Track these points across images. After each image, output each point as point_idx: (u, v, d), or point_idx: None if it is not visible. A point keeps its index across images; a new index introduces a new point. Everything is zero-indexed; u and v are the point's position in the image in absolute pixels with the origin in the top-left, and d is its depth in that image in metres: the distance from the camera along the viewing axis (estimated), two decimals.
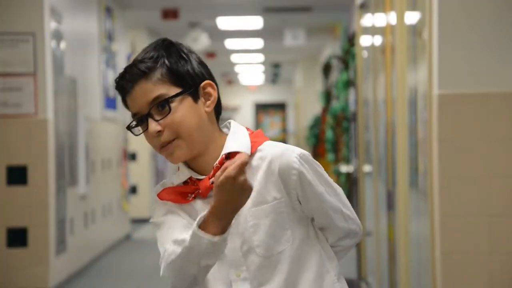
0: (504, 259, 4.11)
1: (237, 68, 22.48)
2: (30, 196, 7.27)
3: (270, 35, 15.11)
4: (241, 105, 27.90)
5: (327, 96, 13.56)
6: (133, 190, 13.14)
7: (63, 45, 8.09)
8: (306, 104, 19.29)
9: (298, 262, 2.16)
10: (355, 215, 2.25)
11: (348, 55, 10.22)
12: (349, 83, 10.20)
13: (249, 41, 16.03)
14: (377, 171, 6.44)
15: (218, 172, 1.98)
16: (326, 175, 2.19)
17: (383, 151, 6.09)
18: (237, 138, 2.17)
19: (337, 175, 11.03)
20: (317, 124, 15.05)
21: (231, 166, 1.96)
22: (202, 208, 2.15)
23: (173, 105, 2.11)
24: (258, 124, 27.79)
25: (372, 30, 6.74)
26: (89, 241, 9.17)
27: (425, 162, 4.47)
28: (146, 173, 13.53)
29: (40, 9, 7.38)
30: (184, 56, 2.17)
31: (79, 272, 8.66)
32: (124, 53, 11.69)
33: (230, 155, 2.13)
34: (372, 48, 6.81)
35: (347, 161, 10.30)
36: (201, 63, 2.19)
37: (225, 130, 2.22)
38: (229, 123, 2.23)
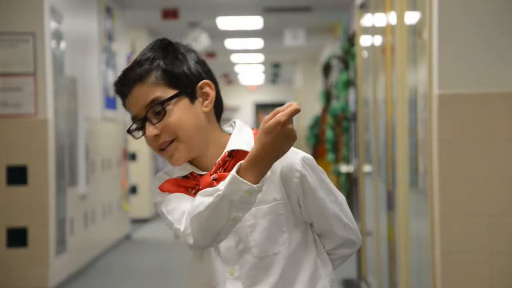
0: (504, 259, 4.11)
1: (237, 68, 22.48)
2: (30, 196, 7.27)
3: (270, 35, 15.11)
4: (241, 105, 27.90)
5: (327, 96, 13.56)
6: (133, 190, 13.14)
7: (63, 45, 8.09)
8: (306, 104, 19.29)
9: (292, 265, 2.15)
10: (356, 226, 2.24)
11: (348, 55, 10.22)
12: (349, 83, 10.20)
13: (249, 41, 16.03)
14: (377, 171, 6.44)
15: (268, 116, 1.96)
16: (330, 182, 2.19)
17: (383, 151, 6.09)
18: (241, 136, 2.16)
19: (337, 175, 11.03)
20: (317, 124, 15.05)
21: (282, 112, 1.95)
22: None
23: (168, 107, 2.11)
24: (258, 124, 27.79)
25: (372, 30, 6.74)
26: (89, 241, 9.17)
27: (425, 162, 4.47)
28: (146, 173, 13.53)
29: (40, 9, 7.39)
30: (180, 56, 2.16)
31: (79, 272, 8.66)
32: (124, 53, 11.69)
33: (233, 153, 2.12)
34: (372, 48, 6.81)
35: (347, 161, 10.30)
36: (200, 62, 2.18)
37: (228, 129, 2.21)
38: (234, 122, 2.22)
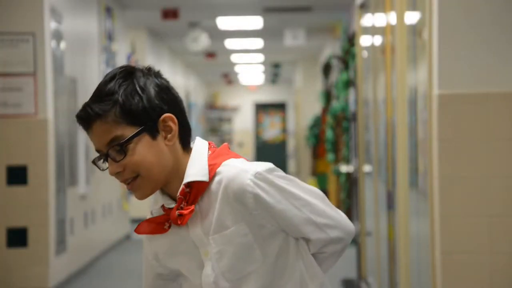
0: (504, 259, 4.11)
1: (237, 68, 22.48)
2: (30, 196, 7.27)
3: (270, 35, 15.11)
4: (241, 105, 27.89)
5: (327, 96, 13.56)
6: None
7: (63, 45, 8.09)
8: (306, 104, 19.29)
9: (275, 277, 2.11)
10: (338, 220, 2.14)
11: (348, 55, 10.22)
12: (349, 83, 10.20)
13: (249, 41, 16.03)
14: (377, 171, 6.44)
15: None
16: (294, 185, 2.10)
17: (383, 151, 6.09)
18: (195, 164, 2.11)
19: (337, 175, 11.04)
20: (317, 124, 15.05)
21: None
22: (184, 235, 2.14)
23: (129, 146, 2.07)
24: (258, 124, 27.80)
25: (372, 30, 6.74)
26: (89, 241, 9.17)
27: (425, 162, 4.47)
28: None
29: (40, 9, 7.39)
30: (139, 89, 2.08)
31: (79, 272, 8.66)
32: (124, 53, 11.70)
33: (190, 184, 2.09)
34: (372, 48, 6.81)
35: (347, 161, 10.31)
36: (163, 90, 2.11)
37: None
38: (194, 146, 2.16)
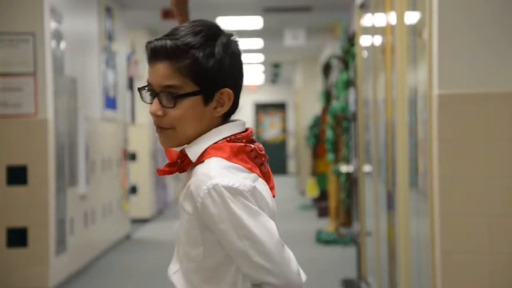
0: (504, 259, 4.11)
1: None
2: (30, 196, 7.27)
3: (270, 35, 15.11)
4: (241, 105, 27.81)
5: (327, 96, 13.56)
6: (133, 190, 13.14)
7: (63, 45, 8.09)
8: (306, 104, 19.29)
9: (209, 281, 2.10)
10: (280, 267, 2.05)
11: (348, 55, 10.22)
12: (349, 83, 10.20)
13: (249, 41, 16.03)
14: (377, 171, 6.44)
15: None
16: (251, 217, 2.04)
17: (383, 151, 6.09)
18: (202, 142, 2.14)
19: (337, 175, 11.03)
20: (317, 124, 15.05)
21: None
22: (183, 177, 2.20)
23: (180, 101, 2.10)
24: (258, 124, 27.79)
25: (372, 30, 6.74)
26: (89, 241, 9.17)
27: (425, 162, 4.47)
28: (146, 173, 13.53)
29: (40, 9, 7.39)
30: (217, 55, 2.11)
31: (79, 272, 8.66)
32: (124, 53, 11.70)
33: (186, 153, 2.14)
34: (372, 48, 6.81)
35: (347, 161, 10.30)
36: (233, 68, 2.14)
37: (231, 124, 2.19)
38: (225, 125, 2.16)
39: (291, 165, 26.72)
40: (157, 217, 14.14)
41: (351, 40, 10.21)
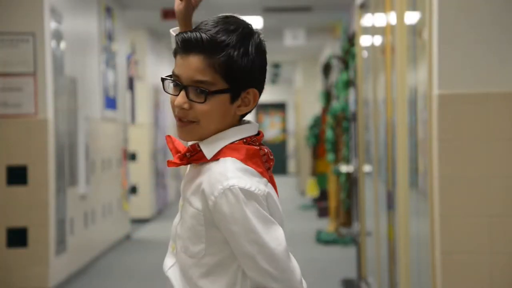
0: (504, 259, 4.11)
1: None
2: (30, 196, 7.27)
3: (270, 35, 15.10)
4: None
5: (327, 96, 13.56)
6: (133, 190, 13.14)
7: (63, 45, 8.09)
8: (306, 104, 19.29)
9: (207, 277, 2.10)
10: (287, 275, 2.06)
11: (348, 55, 10.22)
12: (349, 83, 10.20)
13: None
14: (377, 171, 6.44)
15: None
16: (262, 223, 2.04)
17: (383, 151, 6.09)
18: (216, 141, 2.13)
19: (337, 175, 11.03)
20: (317, 124, 15.05)
21: None
22: (186, 172, 2.20)
23: (209, 97, 2.09)
24: (258, 124, 27.77)
25: (372, 30, 6.74)
26: (89, 241, 9.17)
27: (425, 162, 4.47)
28: (146, 173, 13.53)
29: (40, 9, 7.39)
30: (251, 55, 2.11)
31: (79, 272, 8.66)
32: (124, 53, 11.69)
33: (200, 148, 2.13)
34: (372, 48, 6.81)
35: (347, 161, 10.30)
36: (262, 69, 2.15)
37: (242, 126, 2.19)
38: (245, 123, 2.17)
39: (291, 165, 26.71)
40: (157, 217, 14.14)
41: (351, 40, 10.21)
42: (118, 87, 10.96)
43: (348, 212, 10.50)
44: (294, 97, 24.44)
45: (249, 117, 2.24)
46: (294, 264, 2.09)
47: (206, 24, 2.13)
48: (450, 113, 4.15)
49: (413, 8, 4.92)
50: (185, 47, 2.10)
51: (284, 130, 27.95)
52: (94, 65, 9.70)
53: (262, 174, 2.11)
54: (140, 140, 13.50)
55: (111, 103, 10.44)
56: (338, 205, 11.15)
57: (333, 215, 11.42)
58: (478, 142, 4.13)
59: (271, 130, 27.96)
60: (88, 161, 9.00)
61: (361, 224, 7.34)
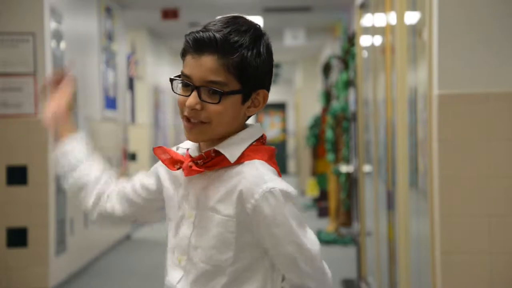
0: (504, 259, 4.11)
1: None
2: (30, 196, 7.27)
3: (270, 35, 15.02)
4: None
5: (327, 96, 13.56)
6: None
7: (63, 45, 8.09)
8: (306, 104, 19.29)
9: (235, 285, 2.09)
10: (324, 276, 2.11)
11: (348, 55, 10.22)
12: (349, 83, 10.20)
13: None
14: (377, 171, 6.44)
15: None
16: (298, 223, 2.06)
17: (383, 151, 6.09)
18: (235, 144, 2.11)
19: (337, 175, 11.03)
20: (317, 124, 15.05)
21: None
22: (184, 181, 2.15)
23: (224, 98, 2.06)
24: None
25: (372, 30, 6.74)
26: (89, 241, 9.17)
27: (425, 162, 4.47)
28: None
29: (40, 9, 7.39)
30: (263, 56, 2.10)
31: (79, 272, 8.66)
32: (124, 53, 11.69)
33: (216, 153, 2.10)
34: (372, 48, 6.81)
35: (347, 161, 10.30)
36: (271, 70, 2.15)
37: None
38: (249, 126, 2.16)
39: (291, 165, 26.71)
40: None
41: (351, 40, 10.21)
42: (118, 87, 10.96)
43: (348, 212, 10.50)
44: (294, 97, 24.44)
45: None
46: (325, 264, 2.13)
47: (215, 24, 2.10)
48: (450, 113, 4.15)
49: (413, 8, 4.92)
50: (198, 47, 2.07)
51: (284, 130, 27.95)
52: (94, 65, 9.70)
53: (279, 173, 2.13)
54: (140, 140, 13.50)
55: (111, 103, 10.44)
56: (338, 205, 11.15)
57: (333, 215, 11.42)
58: (478, 142, 4.13)
59: (271, 130, 27.96)
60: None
61: (361, 224, 7.34)
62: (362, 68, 7.42)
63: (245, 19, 2.14)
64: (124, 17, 11.59)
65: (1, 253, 7.23)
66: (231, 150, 2.09)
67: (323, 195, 14.21)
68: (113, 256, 10.05)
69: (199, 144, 2.17)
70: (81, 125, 8.78)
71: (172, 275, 2.16)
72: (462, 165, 4.13)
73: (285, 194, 2.04)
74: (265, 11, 12.37)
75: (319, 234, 11.01)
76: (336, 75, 12.70)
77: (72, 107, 2.28)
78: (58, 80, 2.41)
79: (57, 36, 7.88)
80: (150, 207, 2.32)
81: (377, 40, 6.49)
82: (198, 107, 2.07)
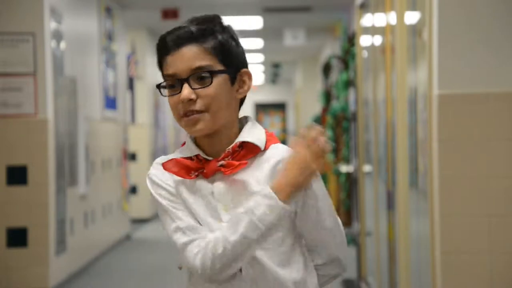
0: (504, 259, 4.11)
1: None
2: (30, 196, 7.27)
3: (270, 35, 15.11)
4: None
5: (327, 96, 13.56)
6: (133, 190, 13.14)
7: (63, 45, 8.09)
8: (306, 104, 19.29)
9: (277, 265, 2.14)
10: (346, 247, 2.25)
11: (348, 55, 10.22)
12: (349, 83, 10.20)
13: (249, 41, 16.03)
14: (377, 171, 6.44)
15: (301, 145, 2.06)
16: (330, 199, 2.20)
17: (383, 151, 6.09)
18: (253, 131, 2.17)
19: (337, 175, 11.03)
20: (317, 124, 15.04)
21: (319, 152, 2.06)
22: (205, 187, 2.15)
23: (214, 79, 2.12)
24: None
25: (372, 30, 6.74)
26: (89, 241, 9.17)
27: (425, 162, 4.47)
28: (146, 173, 13.46)
29: (40, 9, 7.39)
30: (235, 38, 2.19)
31: (79, 272, 8.66)
32: (124, 53, 11.69)
33: (243, 145, 2.14)
34: (372, 48, 6.81)
35: (347, 161, 10.30)
36: (244, 51, 2.23)
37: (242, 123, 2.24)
38: (245, 118, 2.22)
39: None
40: (157, 217, 14.11)
41: (351, 40, 10.21)
42: (118, 87, 10.97)
43: (348, 212, 10.50)
44: (294, 97, 24.44)
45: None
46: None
47: (181, 25, 2.18)
48: (450, 113, 4.15)
49: (413, 8, 4.92)
50: (175, 43, 2.13)
51: (284, 130, 27.95)
52: (94, 65, 9.70)
53: None
54: (140, 140, 13.50)
55: (111, 103, 10.44)
56: (338, 205, 11.15)
57: None
58: (478, 142, 4.13)
59: (271, 130, 27.91)
60: (88, 161, 9.00)
61: (361, 224, 7.34)
62: (362, 68, 7.42)
63: (209, 16, 2.24)
64: (124, 17, 11.59)
65: (1, 253, 7.23)
66: (253, 137, 2.16)
67: None
68: (113, 256, 10.05)
69: (194, 149, 2.18)
70: (81, 125, 8.78)
71: None
72: (462, 165, 4.13)
73: (319, 173, 2.15)
74: (265, 11, 12.37)
75: None
76: (336, 75, 12.70)
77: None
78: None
79: (57, 36, 7.88)
80: None
81: (377, 40, 6.49)
82: (193, 96, 2.11)
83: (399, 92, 5.24)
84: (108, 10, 10.49)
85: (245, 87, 2.18)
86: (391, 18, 5.61)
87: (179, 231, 2.13)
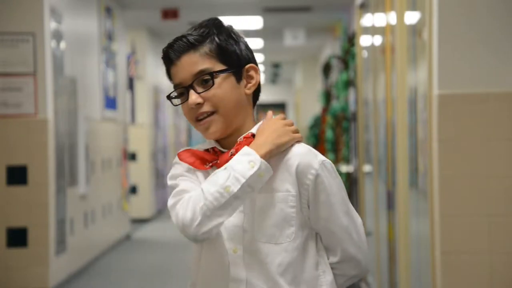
0: (504, 259, 4.11)
1: None
2: (30, 196, 7.27)
3: (270, 35, 15.11)
4: None
5: (327, 96, 13.56)
6: (133, 190, 13.14)
7: (63, 45, 8.09)
8: (306, 104, 19.29)
9: (292, 262, 2.16)
10: (366, 250, 2.24)
11: (348, 55, 10.22)
12: (349, 83, 10.20)
13: (249, 41, 16.02)
14: (377, 171, 6.44)
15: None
16: (347, 196, 2.20)
17: (383, 151, 6.09)
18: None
19: None
20: (317, 124, 15.04)
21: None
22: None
23: (216, 80, 2.17)
24: None
25: (372, 30, 6.74)
26: (89, 241, 9.17)
27: (425, 162, 4.47)
28: (146, 173, 13.53)
29: (40, 9, 7.39)
30: (234, 36, 2.22)
31: (79, 272, 8.66)
32: (124, 53, 11.69)
33: (255, 136, 2.19)
34: (372, 48, 6.81)
35: (347, 161, 10.30)
36: (248, 48, 2.26)
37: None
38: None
39: None
40: (157, 217, 14.13)
41: (351, 40, 10.21)
42: (118, 87, 10.97)
43: None
44: (294, 97, 24.44)
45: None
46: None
47: (178, 36, 2.22)
48: (450, 113, 4.15)
49: (413, 8, 4.92)
50: (175, 54, 2.19)
51: None
52: (94, 65, 9.70)
53: None
54: (140, 140, 13.50)
55: (111, 103, 10.44)
56: None
57: None
58: (478, 142, 4.13)
59: None
60: (88, 161, 9.00)
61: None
62: (362, 68, 7.43)
63: (202, 21, 2.25)
64: (124, 17, 11.59)
65: (1, 253, 7.23)
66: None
67: None
68: (113, 256, 10.05)
69: (213, 142, 2.24)
70: (81, 125, 8.78)
71: (235, 272, 2.18)
72: (462, 165, 4.13)
73: (334, 167, 2.19)
74: (265, 11, 12.37)
75: None
76: (336, 75, 12.70)
77: None
78: None
79: (57, 36, 7.88)
80: None
81: (377, 40, 6.49)
82: (199, 100, 2.17)
83: (399, 92, 5.24)
84: (108, 10, 10.49)
85: (253, 82, 2.23)
86: (391, 18, 5.61)
87: (173, 196, 2.18)
